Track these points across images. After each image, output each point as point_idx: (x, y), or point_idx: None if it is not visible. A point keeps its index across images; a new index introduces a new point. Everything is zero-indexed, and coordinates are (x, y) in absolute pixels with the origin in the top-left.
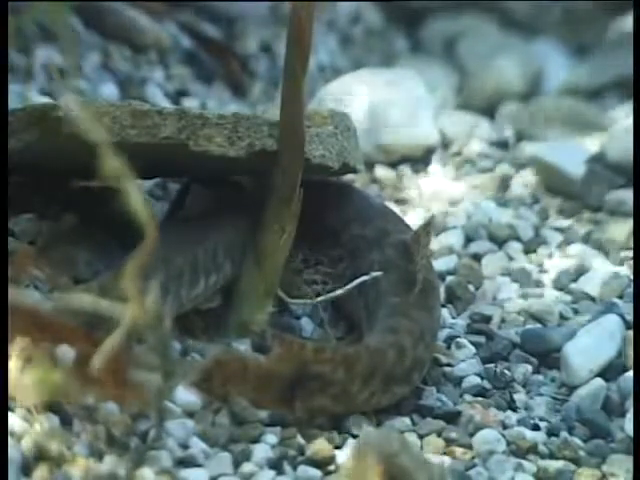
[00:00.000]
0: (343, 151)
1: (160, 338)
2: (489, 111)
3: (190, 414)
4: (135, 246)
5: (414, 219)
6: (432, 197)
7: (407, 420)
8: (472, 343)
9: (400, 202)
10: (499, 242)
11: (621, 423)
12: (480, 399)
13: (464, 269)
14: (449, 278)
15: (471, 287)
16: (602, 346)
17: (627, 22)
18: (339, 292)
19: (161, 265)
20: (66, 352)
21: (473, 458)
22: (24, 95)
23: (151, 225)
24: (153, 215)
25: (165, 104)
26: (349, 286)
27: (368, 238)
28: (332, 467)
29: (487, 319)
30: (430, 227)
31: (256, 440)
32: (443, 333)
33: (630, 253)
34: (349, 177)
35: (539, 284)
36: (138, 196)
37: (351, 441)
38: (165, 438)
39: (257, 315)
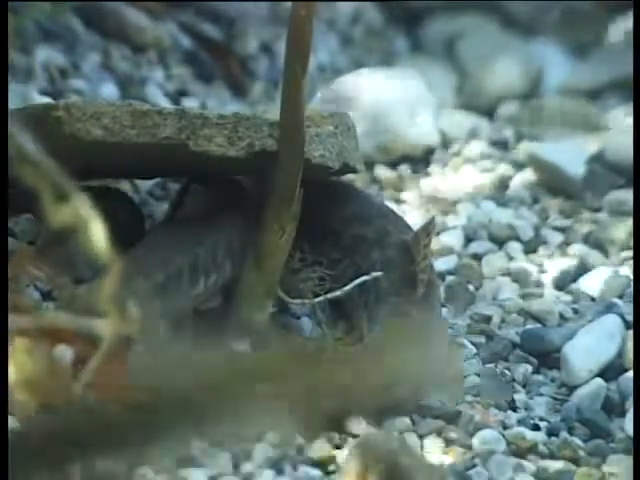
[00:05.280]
0: (343, 151)
1: (155, 340)
2: (489, 111)
3: None
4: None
5: (414, 219)
6: (432, 197)
7: (407, 420)
8: (472, 343)
9: (400, 202)
10: (499, 242)
11: (621, 423)
12: (480, 399)
13: (464, 269)
14: (449, 278)
15: (471, 287)
16: (602, 346)
17: (627, 22)
18: (339, 292)
19: (161, 265)
20: (65, 352)
21: (473, 458)
22: (24, 95)
23: (113, 258)
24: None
25: (165, 104)
26: (349, 286)
27: (368, 238)
28: (332, 467)
29: (487, 319)
30: (431, 228)
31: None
32: None
33: (630, 253)
34: (349, 177)
35: (539, 284)
36: (100, 234)
37: (351, 441)
38: None
39: (257, 315)
